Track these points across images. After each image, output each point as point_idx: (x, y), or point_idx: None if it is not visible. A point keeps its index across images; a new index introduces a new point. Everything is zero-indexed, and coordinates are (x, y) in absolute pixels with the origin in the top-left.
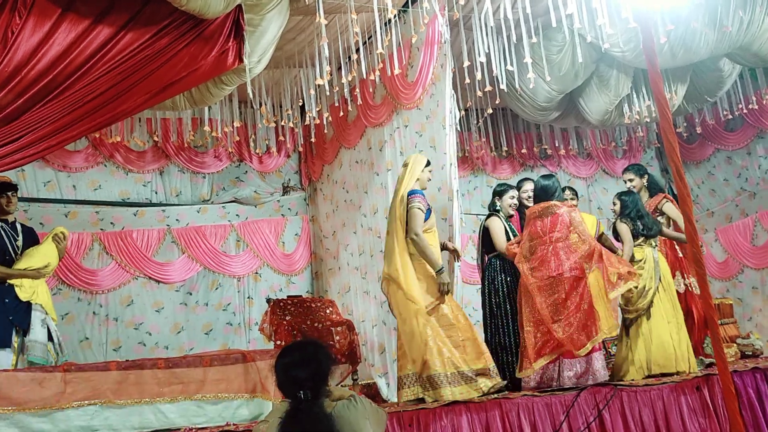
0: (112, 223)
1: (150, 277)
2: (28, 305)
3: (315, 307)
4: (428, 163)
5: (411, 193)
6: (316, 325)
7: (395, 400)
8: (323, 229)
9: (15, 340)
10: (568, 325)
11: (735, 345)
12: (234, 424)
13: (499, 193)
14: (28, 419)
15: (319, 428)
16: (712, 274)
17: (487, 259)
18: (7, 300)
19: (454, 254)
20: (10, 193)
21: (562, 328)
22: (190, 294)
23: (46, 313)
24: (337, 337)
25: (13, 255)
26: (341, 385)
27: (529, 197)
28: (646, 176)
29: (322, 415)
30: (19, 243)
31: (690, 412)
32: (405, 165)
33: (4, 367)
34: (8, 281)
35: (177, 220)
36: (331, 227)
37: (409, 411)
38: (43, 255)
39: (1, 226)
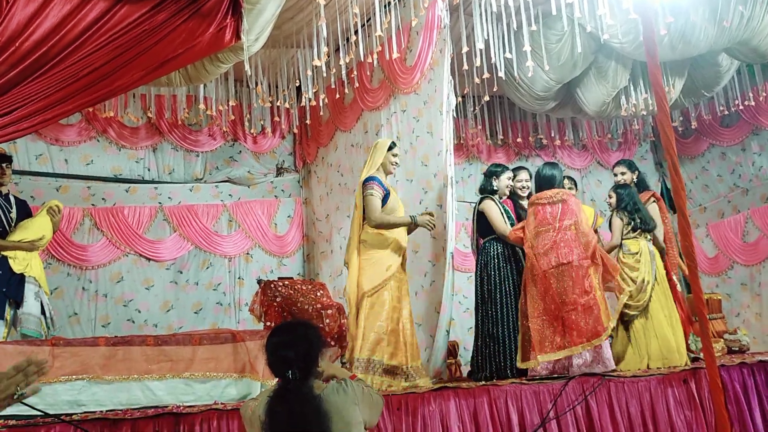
0: (103, 198)
1: (140, 255)
2: (21, 277)
3: (305, 289)
4: (392, 146)
5: (366, 180)
6: (306, 307)
7: None
8: (316, 212)
9: (7, 311)
10: (577, 313)
11: (722, 340)
12: (222, 403)
13: (495, 173)
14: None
15: (306, 409)
16: (702, 269)
17: (481, 243)
18: (0, 272)
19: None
20: (4, 165)
21: (575, 316)
22: (181, 273)
23: (40, 286)
24: (327, 320)
25: (7, 227)
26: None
27: (524, 187)
28: (637, 172)
29: (310, 396)
30: (13, 215)
31: (676, 404)
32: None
33: None
34: (2, 253)
35: (169, 197)
36: (324, 210)
37: (398, 395)
38: (38, 227)
39: None
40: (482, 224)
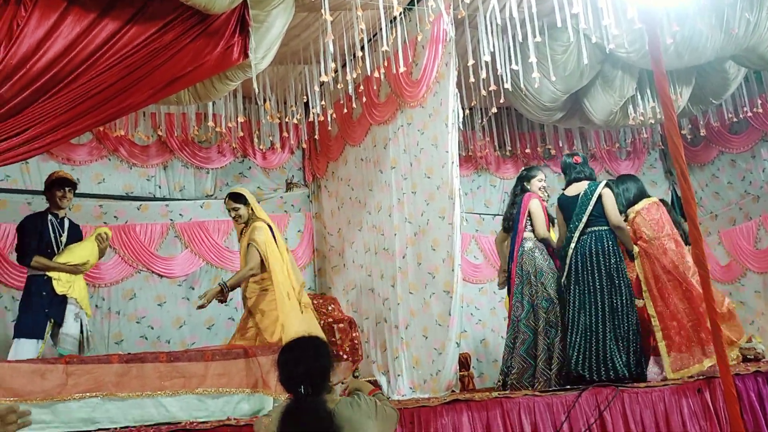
0: (115, 216)
1: (153, 271)
2: (63, 298)
3: (317, 303)
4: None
5: None
6: (317, 321)
7: (396, 397)
8: (327, 226)
9: (47, 331)
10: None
11: (737, 349)
12: (235, 419)
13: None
14: (29, 409)
15: (318, 425)
16: (715, 277)
17: (583, 231)
18: (44, 293)
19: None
20: (67, 189)
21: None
22: (193, 288)
23: (81, 308)
24: (339, 335)
25: (56, 249)
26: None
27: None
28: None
29: (322, 411)
30: (63, 239)
31: (691, 414)
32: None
33: (30, 357)
34: (47, 274)
35: (180, 214)
36: (336, 224)
37: (410, 408)
38: (84, 252)
39: (51, 220)
40: (597, 210)
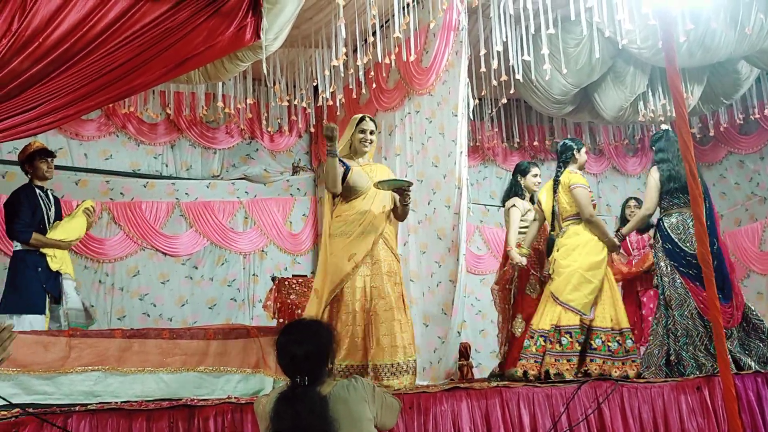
0: (121, 193)
1: (157, 249)
2: (57, 274)
3: None
4: (361, 120)
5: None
6: None
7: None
8: None
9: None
10: None
11: None
12: (236, 398)
13: None
14: (31, 381)
15: (311, 415)
16: None
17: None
18: (39, 269)
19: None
20: (49, 159)
21: None
22: (196, 268)
23: (74, 281)
24: None
25: (47, 224)
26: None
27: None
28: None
29: (316, 400)
30: (53, 212)
31: (689, 411)
32: None
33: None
34: (41, 250)
35: (186, 194)
36: None
37: (410, 394)
38: (77, 228)
39: (39, 194)
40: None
